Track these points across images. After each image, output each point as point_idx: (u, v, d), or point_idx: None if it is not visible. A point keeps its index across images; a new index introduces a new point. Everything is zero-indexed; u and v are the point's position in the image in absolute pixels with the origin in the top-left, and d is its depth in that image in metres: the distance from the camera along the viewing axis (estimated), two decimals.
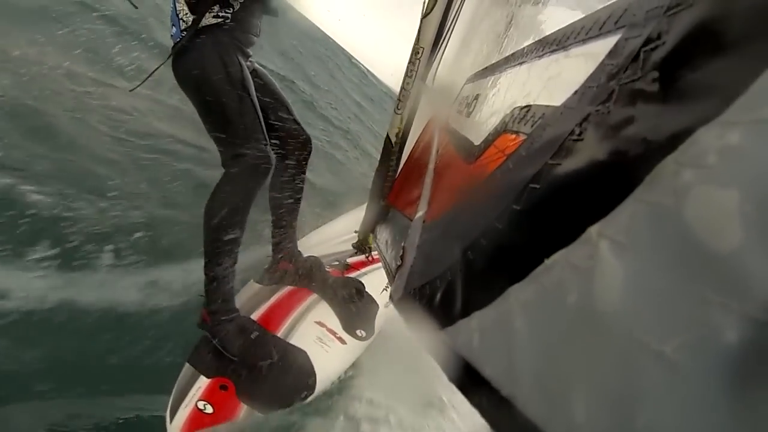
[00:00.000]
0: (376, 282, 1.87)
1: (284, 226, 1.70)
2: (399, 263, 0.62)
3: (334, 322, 1.63)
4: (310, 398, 1.39)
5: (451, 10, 1.05)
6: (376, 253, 1.78)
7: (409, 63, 1.12)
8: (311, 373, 1.42)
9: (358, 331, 1.64)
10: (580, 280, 0.25)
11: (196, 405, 1.25)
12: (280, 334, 1.52)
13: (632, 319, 0.21)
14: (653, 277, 0.21)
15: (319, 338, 1.55)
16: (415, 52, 1.08)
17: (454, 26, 1.07)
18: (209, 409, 1.25)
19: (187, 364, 1.38)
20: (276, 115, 1.59)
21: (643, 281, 0.21)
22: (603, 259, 0.24)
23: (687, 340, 0.18)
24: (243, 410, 1.29)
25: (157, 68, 1.47)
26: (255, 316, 1.57)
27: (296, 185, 1.67)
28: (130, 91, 1.65)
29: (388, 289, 1.87)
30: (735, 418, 0.16)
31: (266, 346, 1.44)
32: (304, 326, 1.58)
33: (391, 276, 0.65)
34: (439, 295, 0.45)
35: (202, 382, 1.32)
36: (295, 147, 1.63)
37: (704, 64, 0.26)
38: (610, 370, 0.21)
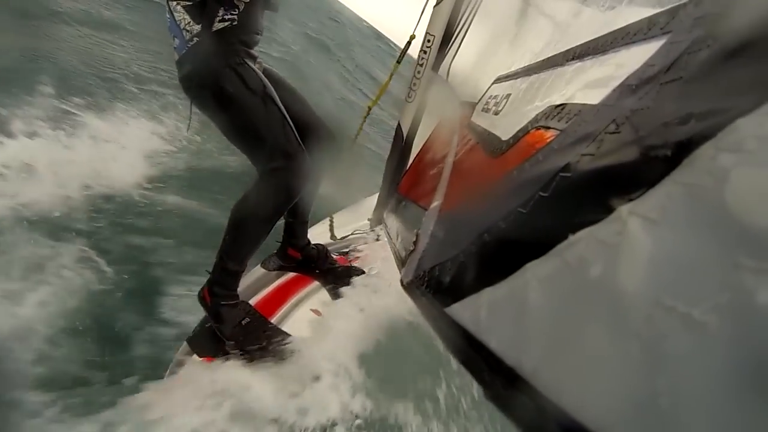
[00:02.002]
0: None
1: (297, 215, 1.68)
2: (411, 249, 0.62)
3: (330, 310, 1.63)
4: None
5: (464, 4, 1.06)
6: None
7: (420, 51, 1.13)
8: None
9: None
10: (606, 254, 0.26)
11: None
12: (274, 320, 1.53)
13: (658, 287, 0.22)
14: (684, 249, 0.22)
15: (311, 324, 1.55)
16: (427, 39, 1.09)
17: (470, 20, 1.08)
18: None
19: (184, 342, 1.41)
20: (297, 113, 1.51)
21: (674, 253, 0.22)
22: (632, 234, 0.25)
23: (717, 303, 0.18)
24: None
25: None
26: (253, 301, 1.58)
27: (317, 178, 1.61)
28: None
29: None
30: (760, 372, 0.16)
31: (256, 332, 1.45)
32: (299, 313, 1.59)
33: (401, 261, 0.66)
34: (448, 276, 0.46)
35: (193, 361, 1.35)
36: (319, 142, 1.55)
37: (746, 65, 0.27)
38: (632, 337, 0.22)
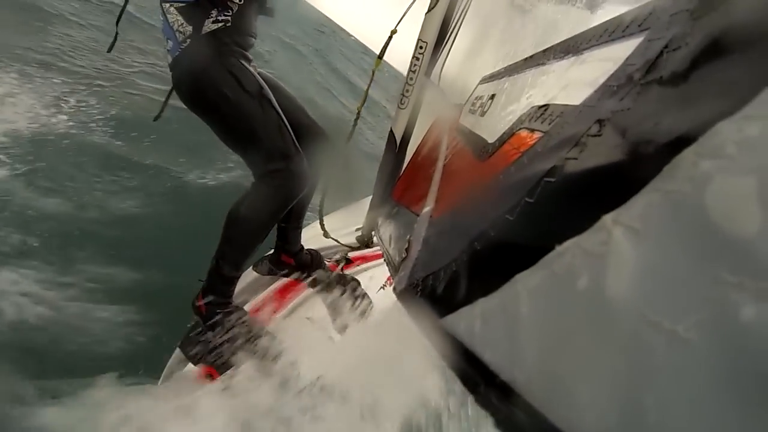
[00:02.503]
0: (374, 279, 1.86)
1: (291, 220, 1.68)
2: (404, 256, 0.62)
3: (324, 318, 1.63)
4: None
5: (456, 9, 1.06)
6: (378, 248, 1.78)
7: (412, 58, 1.14)
8: None
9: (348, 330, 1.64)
10: (592, 265, 0.25)
11: None
12: (269, 327, 1.53)
13: (644, 301, 0.21)
14: (667, 261, 0.21)
15: (306, 333, 1.54)
16: (419, 47, 1.10)
17: (460, 25, 1.08)
18: None
19: (177, 349, 1.40)
20: (293, 116, 1.49)
21: (657, 265, 0.22)
22: (617, 245, 0.24)
23: (700, 319, 0.18)
24: None
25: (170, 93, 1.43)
26: (248, 307, 1.58)
27: (312, 184, 1.60)
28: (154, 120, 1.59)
29: (385, 289, 1.87)
30: (745, 390, 0.16)
31: (252, 339, 1.44)
32: (294, 321, 1.58)
33: (394, 269, 0.65)
34: (442, 285, 0.45)
35: (190, 370, 1.35)
36: (315, 147, 1.53)
37: (726, 65, 0.27)
38: (619, 351, 0.22)
